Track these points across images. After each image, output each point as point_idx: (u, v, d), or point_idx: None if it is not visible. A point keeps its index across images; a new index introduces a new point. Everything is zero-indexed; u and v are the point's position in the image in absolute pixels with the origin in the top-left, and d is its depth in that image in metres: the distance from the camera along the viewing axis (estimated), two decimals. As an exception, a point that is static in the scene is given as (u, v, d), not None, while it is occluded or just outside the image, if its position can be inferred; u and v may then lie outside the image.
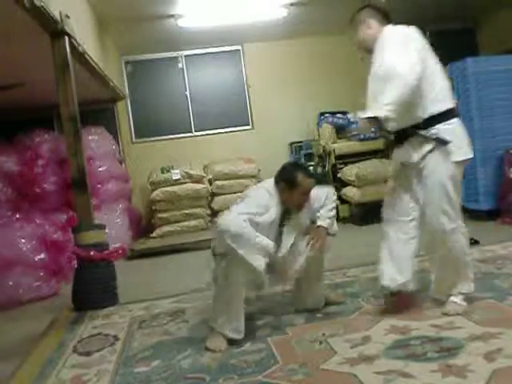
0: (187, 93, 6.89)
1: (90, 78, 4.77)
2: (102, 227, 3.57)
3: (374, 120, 2.26)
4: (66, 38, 3.49)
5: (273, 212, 2.50)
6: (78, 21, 3.89)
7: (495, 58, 5.08)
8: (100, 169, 5.60)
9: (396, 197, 2.57)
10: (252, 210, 2.42)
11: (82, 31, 4.09)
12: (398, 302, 2.59)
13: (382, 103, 2.25)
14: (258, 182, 2.59)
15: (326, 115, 6.57)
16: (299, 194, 2.54)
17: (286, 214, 2.58)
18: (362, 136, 6.05)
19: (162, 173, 6.16)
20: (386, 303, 2.67)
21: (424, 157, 2.38)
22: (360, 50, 2.64)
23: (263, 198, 2.52)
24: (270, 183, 2.61)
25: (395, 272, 2.53)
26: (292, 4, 5.50)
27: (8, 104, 5.43)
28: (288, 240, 2.58)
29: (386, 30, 2.47)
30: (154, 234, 6.05)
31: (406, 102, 2.26)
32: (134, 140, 6.85)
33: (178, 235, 5.96)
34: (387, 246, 2.62)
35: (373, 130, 2.41)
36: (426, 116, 2.36)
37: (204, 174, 6.30)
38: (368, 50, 2.56)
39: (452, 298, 2.49)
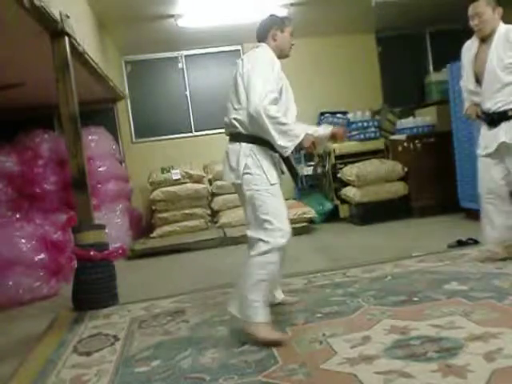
0: (187, 93, 6.89)
1: (89, 77, 4.77)
2: (102, 227, 3.57)
3: None
4: (66, 38, 3.49)
5: (278, 65, 2.56)
6: (77, 21, 3.88)
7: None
8: (100, 169, 5.60)
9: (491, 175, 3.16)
10: (271, 80, 2.43)
11: (82, 31, 4.08)
12: None
13: None
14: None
15: (326, 115, 6.58)
16: (290, 33, 2.71)
17: None
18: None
19: (162, 173, 6.16)
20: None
21: None
22: (476, 26, 3.09)
23: (267, 54, 2.56)
24: (263, 48, 2.64)
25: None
26: (292, 4, 5.49)
27: (8, 104, 5.44)
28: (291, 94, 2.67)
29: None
30: (154, 234, 6.05)
31: None
32: (134, 140, 6.85)
33: (178, 235, 5.96)
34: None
35: None
36: None
37: (204, 174, 6.30)
38: (482, 30, 3.07)
39: None
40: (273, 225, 2.39)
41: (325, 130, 2.81)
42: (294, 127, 2.45)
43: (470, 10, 3.12)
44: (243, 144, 2.48)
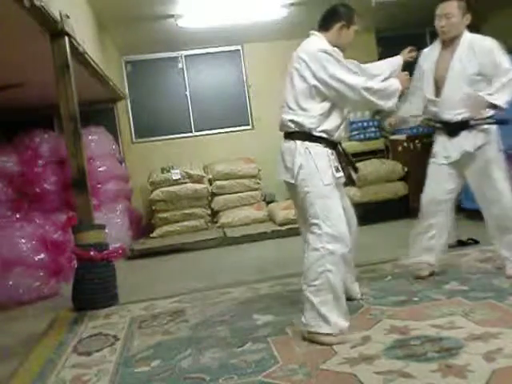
0: (187, 93, 6.88)
1: (90, 77, 4.77)
2: (102, 227, 3.57)
3: (492, 106, 2.80)
4: (66, 38, 3.49)
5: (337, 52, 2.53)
6: (77, 21, 3.88)
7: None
8: (100, 169, 5.59)
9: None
10: (345, 64, 2.46)
11: (82, 31, 4.08)
12: None
13: (501, 97, 2.77)
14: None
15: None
16: (354, 31, 2.62)
17: None
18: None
19: (162, 173, 6.16)
20: None
21: (482, 146, 2.87)
22: (442, 27, 2.92)
23: (327, 47, 2.48)
24: (318, 38, 2.55)
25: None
26: (292, 4, 5.49)
27: (8, 104, 5.43)
28: None
29: (482, 37, 2.90)
30: (154, 234, 6.05)
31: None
32: (134, 140, 6.84)
33: (178, 235, 5.96)
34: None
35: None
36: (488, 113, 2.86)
37: (204, 174, 6.29)
38: (446, 33, 2.91)
39: None
40: (321, 229, 2.34)
41: (398, 60, 2.82)
42: (388, 82, 2.54)
43: (439, 10, 2.92)
44: (298, 142, 2.44)
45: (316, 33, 2.60)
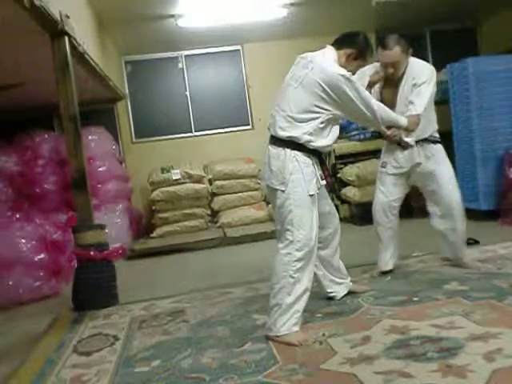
0: (187, 93, 6.89)
1: (90, 78, 4.77)
2: (102, 227, 3.57)
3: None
4: (66, 38, 3.49)
5: None
6: (77, 21, 3.88)
7: (495, 58, 5.08)
8: (100, 169, 5.59)
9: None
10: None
11: (82, 31, 4.08)
12: None
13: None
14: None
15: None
16: (359, 65, 2.63)
17: None
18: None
19: (162, 173, 6.16)
20: None
21: (432, 155, 3.18)
22: (392, 74, 3.03)
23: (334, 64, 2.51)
24: (333, 55, 2.56)
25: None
26: (292, 4, 5.49)
27: (8, 104, 5.44)
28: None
29: (424, 64, 3.14)
30: (154, 234, 6.06)
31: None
32: (134, 140, 6.85)
33: (178, 235, 5.96)
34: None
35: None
36: (434, 130, 3.25)
37: (204, 174, 6.30)
38: (396, 76, 3.05)
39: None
40: (293, 236, 2.39)
41: (402, 121, 2.82)
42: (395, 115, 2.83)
43: (384, 59, 2.97)
44: (288, 150, 2.44)
45: (332, 48, 2.60)
